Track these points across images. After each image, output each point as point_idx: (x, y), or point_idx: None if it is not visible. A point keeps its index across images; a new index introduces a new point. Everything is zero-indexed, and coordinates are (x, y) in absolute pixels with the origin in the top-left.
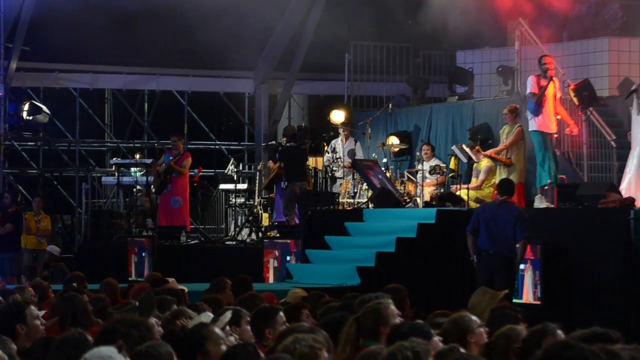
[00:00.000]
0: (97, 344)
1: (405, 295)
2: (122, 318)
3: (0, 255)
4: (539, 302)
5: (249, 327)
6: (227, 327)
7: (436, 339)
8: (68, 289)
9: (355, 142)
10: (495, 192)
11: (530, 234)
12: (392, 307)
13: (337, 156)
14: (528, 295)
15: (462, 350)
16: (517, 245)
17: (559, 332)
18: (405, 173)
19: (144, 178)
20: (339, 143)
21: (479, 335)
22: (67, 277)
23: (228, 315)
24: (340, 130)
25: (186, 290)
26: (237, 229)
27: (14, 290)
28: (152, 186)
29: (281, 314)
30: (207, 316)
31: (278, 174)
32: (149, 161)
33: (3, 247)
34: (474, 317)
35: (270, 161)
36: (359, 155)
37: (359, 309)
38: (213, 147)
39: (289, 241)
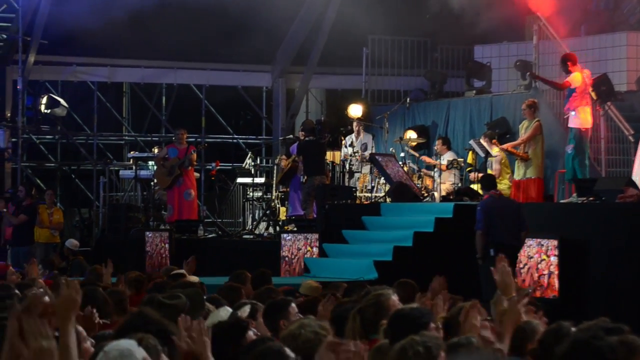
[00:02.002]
0: (120, 336)
1: (415, 290)
2: (146, 312)
3: (15, 248)
4: (556, 297)
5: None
6: None
7: (433, 325)
8: (87, 281)
9: (373, 137)
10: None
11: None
12: (394, 297)
13: (355, 150)
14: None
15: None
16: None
17: (574, 330)
18: (423, 163)
19: None
20: (353, 138)
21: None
22: (88, 270)
23: (247, 309)
24: (354, 125)
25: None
26: (255, 222)
27: (25, 282)
28: (156, 179)
29: (293, 305)
30: (226, 310)
31: (292, 167)
32: None
33: (18, 240)
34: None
35: (284, 156)
36: (370, 150)
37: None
38: (231, 140)
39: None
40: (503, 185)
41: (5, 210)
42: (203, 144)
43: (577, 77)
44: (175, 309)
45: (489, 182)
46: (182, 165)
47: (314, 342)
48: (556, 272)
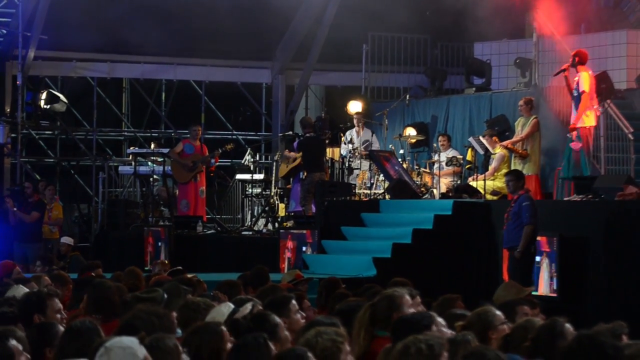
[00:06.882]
0: (120, 333)
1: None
2: (146, 309)
3: (25, 245)
4: (555, 295)
5: None
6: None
7: (435, 328)
8: (85, 278)
9: (372, 133)
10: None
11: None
12: (407, 296)
13: (354, 146)
14: (544, 287)
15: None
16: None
17: (568, 326)
18: (422, 170)
19: (161, 167)
20: (354, 134)
21: (501, 332)
22: (83, 265)
23: (248, 307)
24: (355, 121)
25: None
26: (254, 219)
27: (30, 279)
28: (174, 173)
29: (294, 302)
30: (228, 307)
31: (300, 163)
32: (165, 150)
33: (29, 237)
34: (498, 313)
35: (287, 150)
36: (375, 146)
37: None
38: (230, 137)
39: (305, 231)
40: (501, 183)
41: (15, 209)
42: (230, 143)
43: (587, 80)
44: (152, 302)
45: (522, 177)
46: (204, 162)
47: (332, 350)
48: (555, 270)
